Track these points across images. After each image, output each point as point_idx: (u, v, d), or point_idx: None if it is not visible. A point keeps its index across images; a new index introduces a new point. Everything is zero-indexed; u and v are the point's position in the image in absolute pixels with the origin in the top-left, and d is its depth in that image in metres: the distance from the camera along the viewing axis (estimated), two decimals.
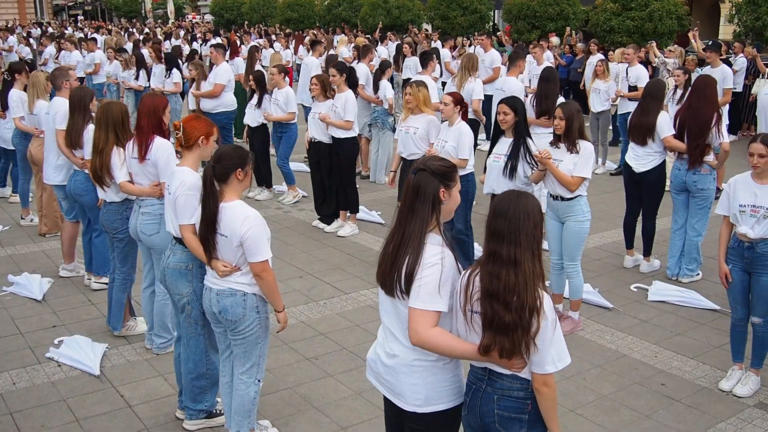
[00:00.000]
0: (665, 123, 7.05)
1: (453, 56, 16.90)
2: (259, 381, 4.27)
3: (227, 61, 12.15)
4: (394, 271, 2.97)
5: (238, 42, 20.54)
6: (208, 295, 4.14)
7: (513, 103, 6.10)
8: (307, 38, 21.38)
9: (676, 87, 9.80)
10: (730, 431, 4.66)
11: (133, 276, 5.83)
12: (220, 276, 4.03)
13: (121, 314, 5.84)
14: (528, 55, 13.13)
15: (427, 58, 10.38)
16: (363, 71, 11.11)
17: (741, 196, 4.98)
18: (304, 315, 6.34)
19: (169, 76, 12.66)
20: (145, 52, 15.05)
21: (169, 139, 5.15)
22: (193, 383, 4.54)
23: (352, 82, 9.52)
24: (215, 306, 4.10)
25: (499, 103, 6.20)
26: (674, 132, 6.99)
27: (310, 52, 14.93)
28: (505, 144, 6.21)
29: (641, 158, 7.19)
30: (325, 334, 5.96)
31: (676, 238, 7.19)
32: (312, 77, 8.91)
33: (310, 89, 8.77)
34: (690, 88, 7.56)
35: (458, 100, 6.81)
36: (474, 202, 7.38)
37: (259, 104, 9.78)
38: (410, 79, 11.29)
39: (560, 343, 2.85)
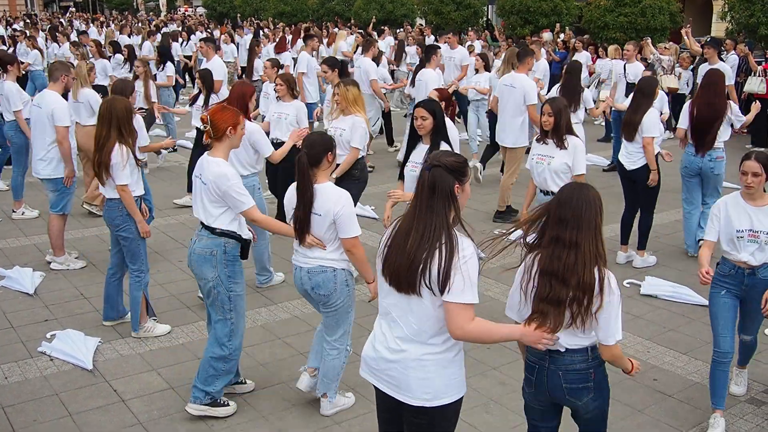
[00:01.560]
0: (651, 122, 7.10)
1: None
2: (348, 349, 4.60)
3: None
4: (416, 268, 2.95)
5: (235, 35, 20.46)
6: (299, 274, 4.49)
7: (431, 106, 5.55)
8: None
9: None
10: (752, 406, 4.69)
11: (146, 273, 5.73)
12: (306, 247, 4.37)
13: (138, 312, 5.70)
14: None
15: (430, 52, 10.36)
16: (369, 65, 11.12)
17: (736, 221, 4.47)
18: (298, 310, 6.34)
19: (163, 69, 12.61)
20: (147, 44, 15.00)
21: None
22: (211, 363, 4.60)
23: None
24: (307, 284, 4.45)
25: (416, 106, 5.66)
26: (669, 127, 7.16)
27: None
28: (421, 151, 5.65)
29: (632, 155, 7.25)
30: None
31: (692, 217, 7.42)
32: (276, 77, 8.20)
33: (275, 89, 8.01)
34: (701, 82, 7.75)
35: (444, 97, 6.79)
36: None
37: (205, 104, 8.77)
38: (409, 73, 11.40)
39: (620, 318, 3.17)
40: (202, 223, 4.57)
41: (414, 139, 5.78)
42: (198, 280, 4.66)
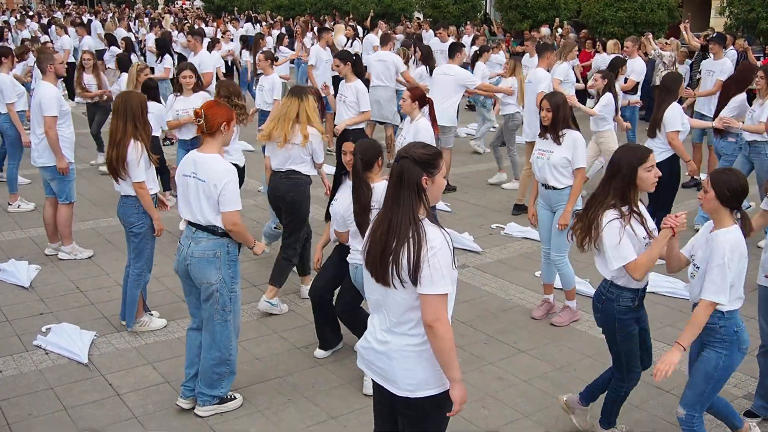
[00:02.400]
0: (672, 117, 7.17)
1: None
2: None
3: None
4: (387, 259, 2.96)
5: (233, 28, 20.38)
6: (354, 272, 4.83)
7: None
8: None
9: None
10: (719, 422, 4.68)
11: (148, 272, 5.71)
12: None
13: (134, 310, 5.67)
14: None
15: (455, 49, 10.33)
16: (398, 59, 11.08)
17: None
18: (295, 304, 6.32)
19: (161, 62, 12.56)
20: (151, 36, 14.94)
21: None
22: (214, 369, 4.55)
23: (359, 71, 9.36)
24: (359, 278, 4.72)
25: (344, 140, 5.39)
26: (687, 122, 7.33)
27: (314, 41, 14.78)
28: (348, 187, 5.11)
29: (654, 150, 7.26)
30: None
31: None
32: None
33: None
34: (735, 73, 8.50)
35: (417, 96, 6.81)
36: None
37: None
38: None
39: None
40: (196, 225, 4.43)
41: (341, 174, 5.24)
42: (198, 285, 4.48)
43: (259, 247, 4.82)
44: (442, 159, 3.14)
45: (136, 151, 5.32)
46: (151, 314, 5.88)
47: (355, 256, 4.74)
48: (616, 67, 9.74)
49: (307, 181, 6.09)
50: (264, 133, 6.00)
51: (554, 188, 5.84)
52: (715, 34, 12.37)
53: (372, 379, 3.30)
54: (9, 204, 8.81)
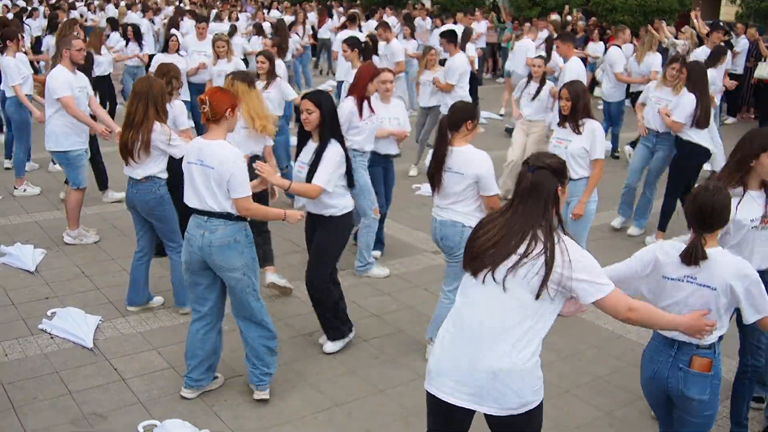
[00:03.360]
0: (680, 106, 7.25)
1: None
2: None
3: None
4: (502, 259, 2.90)
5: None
6: (434, 224, 4.96)
7: (317, 98, 4.86)
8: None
9: None
10: (724, 413, 4.66)
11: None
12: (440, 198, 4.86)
13: (184, 289, 5.65)
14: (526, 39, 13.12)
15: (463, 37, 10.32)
16: (399, 48, 11.03)
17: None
18: (300, 291, 6.30)
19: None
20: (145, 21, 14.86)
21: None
22: (266, 345, 4.61)
23: (367, 59, 9.28)
24: (438, 233, 4.92)
25: (303, 98, 5.02)
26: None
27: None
28: (310, 150, 5.02)
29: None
30: None
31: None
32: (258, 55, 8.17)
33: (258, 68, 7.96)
34: None
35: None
36: None
37: None
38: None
39: None
40: (207, 213, 4.32)
41: (304, 137, 5.13)
42: (222, 274, 4.40)
43: (293, 215, 4.56)
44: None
45: (164, 133, 5.34)
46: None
47: (435, 210, 4.94)
48: (717, 55, 9.75)
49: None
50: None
51: (570, 179, 5.79)
52: (712, 23, 12.31)
53: (439, 405, 3.08)
54: (15, 188, 8.81)
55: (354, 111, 6.25)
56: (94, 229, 7.48)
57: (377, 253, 7.04)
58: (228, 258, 4.34)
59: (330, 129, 4.89)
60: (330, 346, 5.26)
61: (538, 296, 2.86)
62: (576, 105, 5.71)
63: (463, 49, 12.12)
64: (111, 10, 21.11)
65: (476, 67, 13.16)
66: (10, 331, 5.46)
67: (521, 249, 2.88)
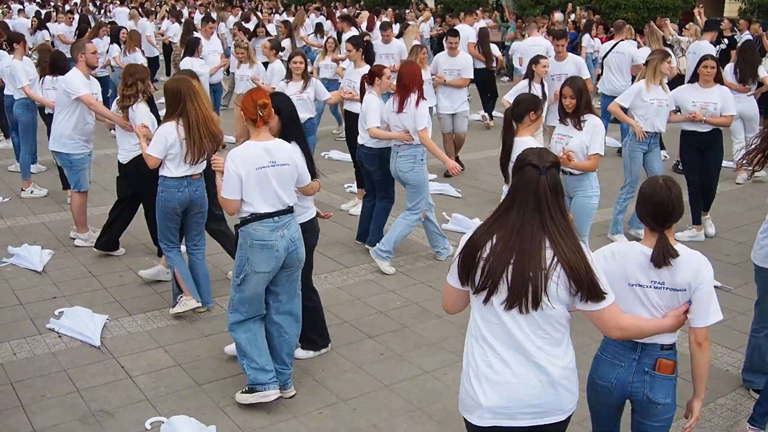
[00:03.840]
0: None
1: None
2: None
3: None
4: (526, 282, 2.71)
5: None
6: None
7: (276, 104, 4.57)
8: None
9: None
10: (729, 406, 4.68)
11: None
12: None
13: (209, 286, 5.81)
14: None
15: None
16: (403, 47, 11.06)
17: None
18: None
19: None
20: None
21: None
22: (294, 341, 4.72)
23: (369, 58, 9.30)
24: None
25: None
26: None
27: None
28: None
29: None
30: (326, 307, 5.92)
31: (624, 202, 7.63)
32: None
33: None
34: None
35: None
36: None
37: None
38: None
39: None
40: (279, 213, 4.35)
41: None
42: (295, 268, 4.54)
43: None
44: None
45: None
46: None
47: None
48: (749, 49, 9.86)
49: None
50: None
51: (571, 173, 5.82)
52: (707, 20, 12.31)
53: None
54: (22, 190, 8.86)
55: (427, 112, 6.59)
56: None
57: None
58: (302, 251, 4.56)
59: (290, 132, 4.67)
60: (300, 353, 5.11)
61: (569, 308, 2.80)
62: (579, 102, 5.72)
63: (485, 50, 12.17)
64: (120, 16, 21.14)
65: (495, 64, 13.23)
66: (19, 330, 5.51)
67: (545, 263, 2.70)
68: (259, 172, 4.27)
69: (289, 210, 4.44)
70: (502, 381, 2.82)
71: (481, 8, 22.85)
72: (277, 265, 4.40)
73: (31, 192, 8.85)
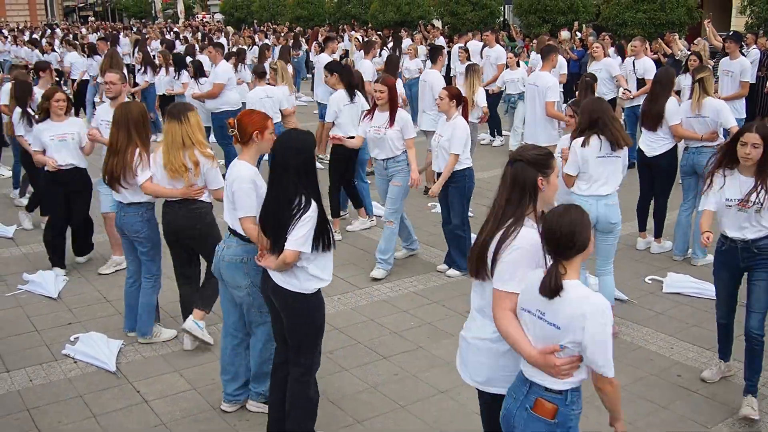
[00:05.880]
0: (673, 110, 7.25)
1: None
2: None
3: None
4: (485, 254, 3.11)
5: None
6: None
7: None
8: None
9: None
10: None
11: (159, 279, 5.74)
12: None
13: (152, 319, 5.72)
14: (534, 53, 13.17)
15: (436, 53, 10.33)
16: (368, 68, 11.07)
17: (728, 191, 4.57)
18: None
19: (178, 78, 12.71)
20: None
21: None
22: (263, 368, 4.62)
23: (349, 81, 8.87)
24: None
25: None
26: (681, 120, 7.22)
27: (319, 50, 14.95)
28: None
29: (653, 143, 7.43)
30: (340, 329, 5.96)
31: (683, 217, 7.39)
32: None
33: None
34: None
35: (454, 95, 6.80)
36: (471, 199, 7.19)
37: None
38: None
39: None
40: (229, 230, 4.49)
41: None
42: (230, 290, 4.55)
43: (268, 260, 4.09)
44: (554, 159, 3.21)
45: (141, 158, 5.39)
46: (159, 326, 5.87)
47: None
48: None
49: (209, 209, 5.50)
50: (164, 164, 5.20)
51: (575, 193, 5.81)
52: (731, 33, 12.23)
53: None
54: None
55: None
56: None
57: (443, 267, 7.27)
58: (234, 276, 4.48)
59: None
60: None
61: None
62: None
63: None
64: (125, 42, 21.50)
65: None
66: (34, 356, 5.54)
67: (497, 237, 3.08)
68: (226, 186, 4.53)
69: (235, 233, 4.44)
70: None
71: (489, 29, 23.00)
72: (214, 270, 4.63)
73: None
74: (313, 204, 3.85)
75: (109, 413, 4.77)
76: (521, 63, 13.37)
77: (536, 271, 2.99)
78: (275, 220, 3.90)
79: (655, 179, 7.57)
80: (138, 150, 5.40)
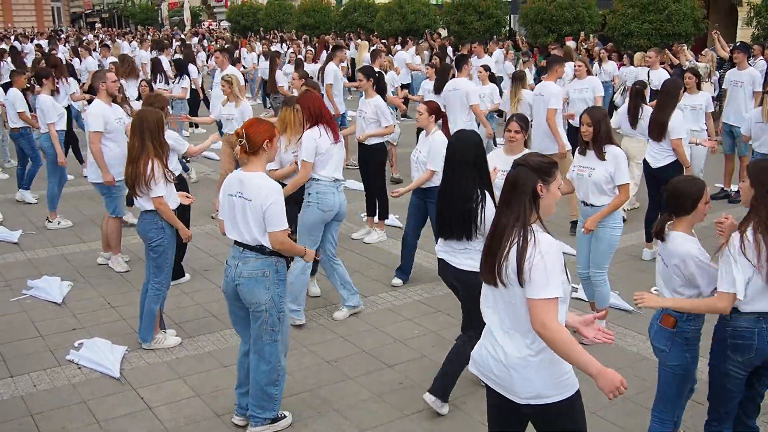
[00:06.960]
0: (678, 124, 7.29)
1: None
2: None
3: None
4: (492, 260, 3.10)
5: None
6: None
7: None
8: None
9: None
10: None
11: (166, 288, 5.71)
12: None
13: (152, 326, 5.69)
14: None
15: (461, 62, 10.30)
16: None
17: None
18: (324, 318, 6.34)
19: (179, 82, 12.76)
20: (163, 58, 15.17)
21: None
22: (266, 390, 4.47)
23: (380, 88, 9.26)
24: None
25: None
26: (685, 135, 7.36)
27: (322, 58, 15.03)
28: None
29: (657, 154, 7.47)
30: (345, 337, 5.95)
31: None
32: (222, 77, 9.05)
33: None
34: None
35: (433, 110, 6.69)
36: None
37: None
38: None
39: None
40: (243, 245, 4.35)
41: None
42: (247, 305, 4.42)
43: (310, 254, 4.72)
44: (558, 168, 3.20)
45: (157, 168, 5.39)
46: (165, 332, 5.87)
47: None
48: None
49: None
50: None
51: (593, 205, 5.76)
52: (739, 43, 12.21)
53: (486, 384, 3.35)
54: (49, 221, 8.95)
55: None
56: (126, 256, 7.64)
57: (398, 281, 7.10)
58: (254, 291, 4.33)
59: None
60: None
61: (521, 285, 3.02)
62: (599, 131, 5.64)
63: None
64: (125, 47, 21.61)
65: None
66: (39, 362, 5.53)
67: (506, 244, 3.05)
68: (228, 199, 4.38)
69: (254, 248, 4.32)
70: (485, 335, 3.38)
71: (495, 38, 23.05)
72: (228, 289, 4.46)
73: (58, 223, 8.95)
74: (488, 196, 4.47)
75: (113, 419, 4.76)
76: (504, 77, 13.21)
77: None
78: (459, 215, 4.48)
79: (661, 191, 7.53)
80: (150, 163, 5.39)
